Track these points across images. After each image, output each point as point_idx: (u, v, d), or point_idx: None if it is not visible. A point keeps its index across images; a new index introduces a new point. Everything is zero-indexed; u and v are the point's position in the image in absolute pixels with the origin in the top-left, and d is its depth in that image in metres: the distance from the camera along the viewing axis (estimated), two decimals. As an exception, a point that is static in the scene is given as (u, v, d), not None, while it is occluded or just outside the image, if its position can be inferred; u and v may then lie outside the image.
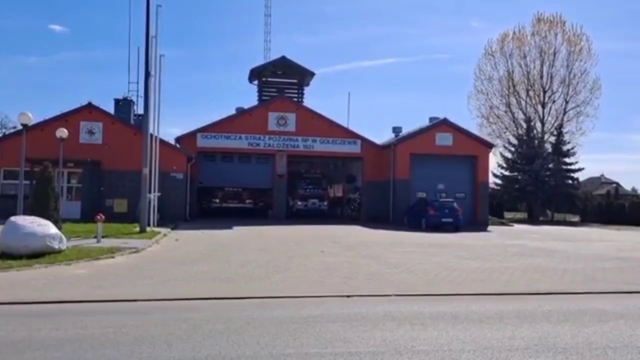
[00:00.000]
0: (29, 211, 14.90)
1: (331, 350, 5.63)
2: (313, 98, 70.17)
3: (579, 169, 41.72)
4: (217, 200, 34.93)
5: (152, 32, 20.31)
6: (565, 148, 42.02)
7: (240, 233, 21.94)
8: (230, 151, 31.46)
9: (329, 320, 7.02)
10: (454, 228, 25.93)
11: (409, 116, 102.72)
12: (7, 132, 45.46)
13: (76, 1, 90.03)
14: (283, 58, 35.17)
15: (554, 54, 44.57)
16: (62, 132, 19.61)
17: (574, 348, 5.87)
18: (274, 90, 34.89)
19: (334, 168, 39.16)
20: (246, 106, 33.72)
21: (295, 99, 34.46)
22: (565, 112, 45.13)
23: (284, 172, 31.78)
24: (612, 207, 40.37)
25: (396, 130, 36.00)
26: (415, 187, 30.85)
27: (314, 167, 38.03)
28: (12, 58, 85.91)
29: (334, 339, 6.08)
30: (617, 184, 57.14)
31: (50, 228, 12.90)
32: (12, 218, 12.99)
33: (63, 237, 13.24)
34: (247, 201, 35.17)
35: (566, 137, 43.38)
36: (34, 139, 22.02)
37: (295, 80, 35.30)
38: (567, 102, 45.02)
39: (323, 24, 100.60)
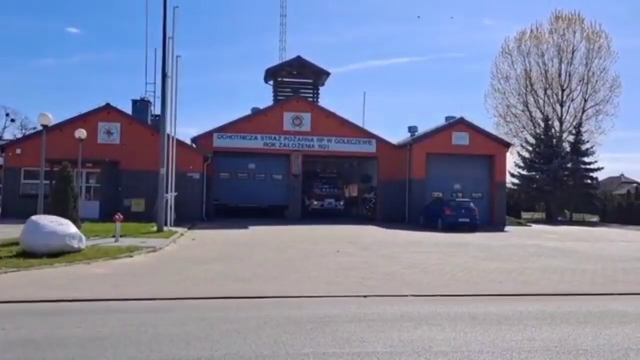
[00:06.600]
0: (49, 211, 15.10)
1: (349, 350, 5.62)
2: (328, 98, 70.10)
3: (599, 169, 41.08)
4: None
5: (169, 34, 20.52)
6: (584, 147, 41.37)
7: (257, 233, 22.03)
8: (246, 151, 31.57)
9: (346, 321, 7.02)
10: (471, 228, 25.71)
11: (424, 116, 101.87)
12: (27, 133, 46.44)
13: (91, 4, 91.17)
14: (298, 58, 35.25)
15: (573, 52, 44.03)
16: (81, 133, 19.87)
17: (596, 350, 5.79)
18: (289, 90, 34.96)
19: (349, 168, 39.07)
20: (262, 106, 33.83)
21: (311, 99, 34.48)
22: (584, 111, 44.53)
23: (299, 172, 31.83)
24: (633, 208, 39.59)
25: (412, 129, 35.85)
26: (431, 187, 30.64)
27: (329, 167, 37.98)
28: (30, 60, 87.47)
29: (351, 339, 6.07)
30: (638, 183, 55.93)
31: (71, 228, 13.10)
32: (34, 218, 13.21)
33: (83, 236, 13.43)
34: None
35: (585, 137, 42.77)
36: (54, 140, 22.34)
37: (310, 81, 35.33)
38: (586, 101, 44.45)
39: (337, 23, 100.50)
